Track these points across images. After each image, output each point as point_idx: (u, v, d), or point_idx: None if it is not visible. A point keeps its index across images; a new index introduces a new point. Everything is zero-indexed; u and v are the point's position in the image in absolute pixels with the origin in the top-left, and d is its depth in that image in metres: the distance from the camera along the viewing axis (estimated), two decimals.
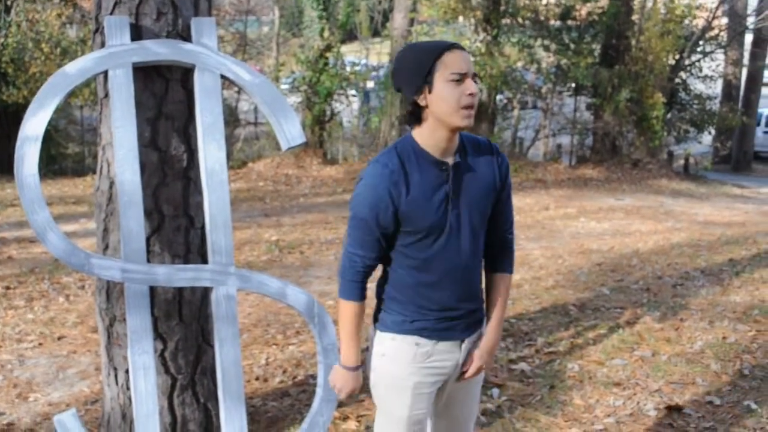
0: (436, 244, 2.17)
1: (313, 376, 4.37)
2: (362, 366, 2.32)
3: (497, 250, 2.35)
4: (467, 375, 2.34)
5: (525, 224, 9.93)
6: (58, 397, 4.15)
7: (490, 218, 2.28)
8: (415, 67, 2.06)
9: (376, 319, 2.32)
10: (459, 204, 2.17)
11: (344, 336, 2.26)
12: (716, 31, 18.60)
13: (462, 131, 2.15)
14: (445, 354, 2.27)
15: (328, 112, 16.00)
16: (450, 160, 2.16)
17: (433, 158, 2.13)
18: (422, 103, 2.08)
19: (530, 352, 4.83)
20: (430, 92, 2.05)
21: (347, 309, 2.22)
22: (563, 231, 9.51)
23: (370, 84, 18.61)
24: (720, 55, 19.89)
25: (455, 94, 2.04)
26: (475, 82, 2.08)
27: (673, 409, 4.01)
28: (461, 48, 2.07)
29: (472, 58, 14.92)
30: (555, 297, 6.16)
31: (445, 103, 2.04)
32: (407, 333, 2.24)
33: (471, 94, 2.05)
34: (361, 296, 2.22)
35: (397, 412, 2.28)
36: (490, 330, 2.35)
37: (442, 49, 2.05)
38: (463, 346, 2.30)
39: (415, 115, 2.11)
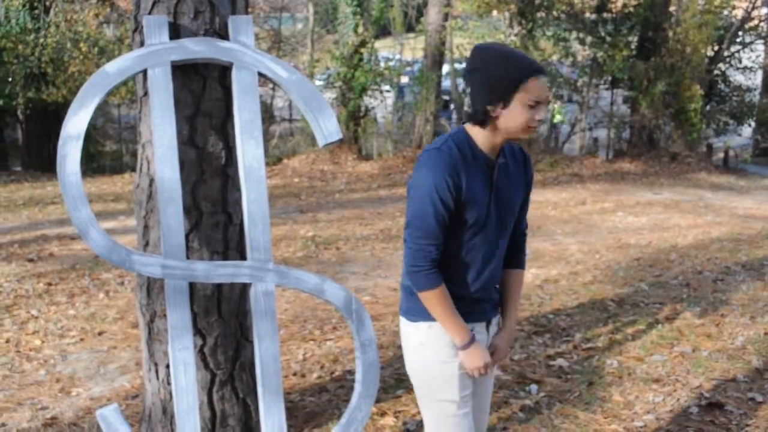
0: (476, 236, 2.29)
1: (351, 372, 4.39)
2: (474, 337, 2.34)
3: (513, 248, 2.50)
4: (495, 360, 2.46)
5: (561, 219, 9.86)
6: (100, 391, 4.21)
7: None
8: (497, 82, 2.13)
9: (404, 311, 2.40)
10: (497, 201, 2.31)
11: (447, 319, 2.27)
12: (756, 22, 18.26)
13: None
14: (477, 335, 2.37)
15: (363, 108, 16.03)
16: (494, 159, 2.28)
17: (485, 156, 2.26)
18: (493, 114, 2.18)
19: (568, 348, 4.80)
20: (504, 108, 2.16)
21: (436, 295, 2.24)
22: (600, 226, 9.42)
23: (405, 79, 18.59)
24: (760, 46, 19.52)
25: (526, 116, 2.15)
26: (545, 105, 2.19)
27: (714, 406, 3.95)
28: (545, 74, 2.17)
29: None
30: (593, 292, 6.11)
31: (515, 123, 2.16)
32: None
33: (540, 120, 2.17)
34: (441, 280, 2.25)
35: (449, 398, 2.34)
36: (511, 323, 2.50)
37: (529, 74, 2.12)
38: (490, 327, 2.44)
39: (480, 119, 2.20)
